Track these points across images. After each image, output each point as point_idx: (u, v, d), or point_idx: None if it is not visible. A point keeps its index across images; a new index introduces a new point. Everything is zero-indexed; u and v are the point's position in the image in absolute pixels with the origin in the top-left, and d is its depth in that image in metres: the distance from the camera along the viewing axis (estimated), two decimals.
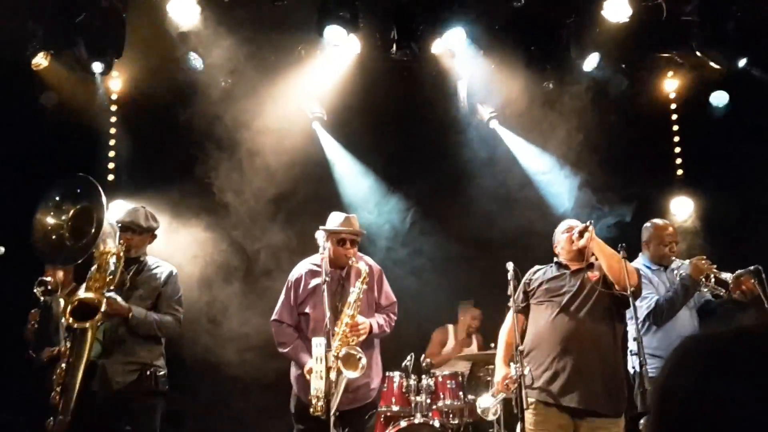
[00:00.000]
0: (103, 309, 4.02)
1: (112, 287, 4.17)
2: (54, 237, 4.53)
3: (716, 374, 1.00)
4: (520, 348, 3.94)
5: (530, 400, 3.92)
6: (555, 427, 3.91)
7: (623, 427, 4.01)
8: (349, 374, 4.16)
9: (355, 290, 4.39)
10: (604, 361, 4.00)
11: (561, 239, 4.36)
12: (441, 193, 7.08)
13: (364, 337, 4.39)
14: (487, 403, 4.75)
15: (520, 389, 3.78)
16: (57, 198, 4.83)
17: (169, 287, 4.47)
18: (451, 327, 6.93)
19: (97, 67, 6.05)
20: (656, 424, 1.06)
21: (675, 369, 1.06)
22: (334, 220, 4.63)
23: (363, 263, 4.49)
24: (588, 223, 4.15)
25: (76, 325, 4.01)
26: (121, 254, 4.20)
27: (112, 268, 4.15)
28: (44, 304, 4.83)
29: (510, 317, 4.36)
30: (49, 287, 4.73)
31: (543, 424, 3.91)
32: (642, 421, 4.07)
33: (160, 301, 4.43)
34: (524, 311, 4.30)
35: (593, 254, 4.20)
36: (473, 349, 6.77)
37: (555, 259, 4.39)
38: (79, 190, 4.78)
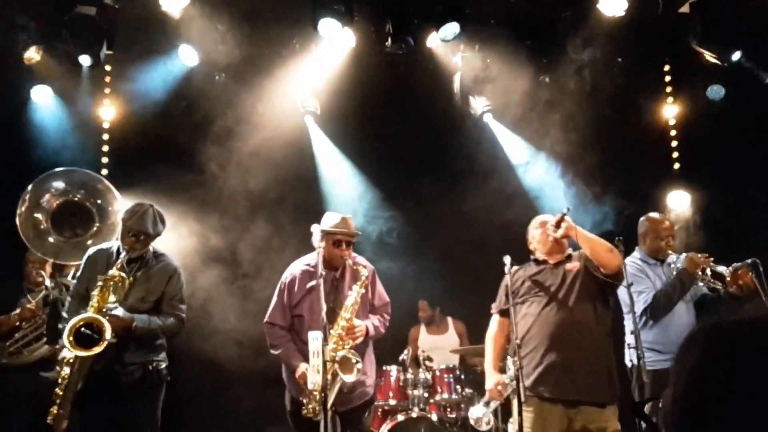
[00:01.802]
0: (107, 335, 3.97)
1: (113, 303, 4.14)
2: (34, 223, 4.53)
3: (753, 360, 1.02)
4: (516, 342, 3.93)
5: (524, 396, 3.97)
6: (551, 421, 3.91)
7: (616, 414, 4.02)
8: (346, 378, 4.12)
9: (353, 294, 4.34)
10: (594, 351, 4.02)
11: (535, 234, 4.33)
12: (433, 192, 7.00)
13: (360, 340, 4.33)
14: (479, 413, 4.72)
15: (518, 381, 3.77)
16: (56, 186, 4.84)
17: (171, 287, 4.40)
18: (423, 324, 7.10)
19: (85, 60, 5.97)
20: (688, 414, 1.07)
21: (707, 358, 1.07)
22: (330, 220, 4.49)
23: (361, 266, 4.43)
24: (563, 213, 4.10)
25: (80, 353, 3.96)
26: (127, 281, 4.19)
27: (113, 296, 4.13)
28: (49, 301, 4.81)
29: (494, 322, 4.40)
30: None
31: (539, 419, 3.92)
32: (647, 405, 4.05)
33: (162, 300, 4.37)
34: (507, 312, 4.28)
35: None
36: (452, 335, 6.88)
37: (532, 257, 4.36)
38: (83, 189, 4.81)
